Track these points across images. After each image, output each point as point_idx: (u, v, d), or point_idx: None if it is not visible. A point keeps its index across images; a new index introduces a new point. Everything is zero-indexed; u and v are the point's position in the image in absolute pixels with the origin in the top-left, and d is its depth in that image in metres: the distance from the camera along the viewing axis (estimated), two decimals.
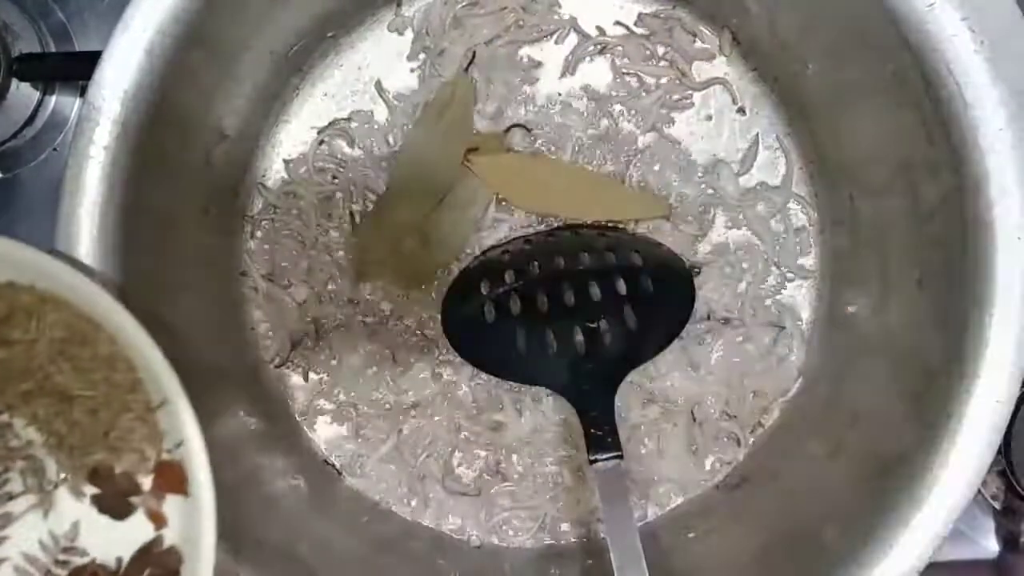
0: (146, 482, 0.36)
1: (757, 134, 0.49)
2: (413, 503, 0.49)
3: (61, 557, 0.37)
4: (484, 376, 0.48)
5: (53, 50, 0.54)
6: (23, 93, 0.54)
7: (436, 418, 0.49)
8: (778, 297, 0.49)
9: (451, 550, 0.50)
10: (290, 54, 0.46)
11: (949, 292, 0.38)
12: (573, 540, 0.50)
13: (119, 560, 0.37)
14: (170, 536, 0.36)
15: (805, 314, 0.49)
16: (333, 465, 0.49)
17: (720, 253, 0.49)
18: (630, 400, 0.49)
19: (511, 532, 0.49)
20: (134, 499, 0.36)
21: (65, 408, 0.36)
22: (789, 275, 0.49)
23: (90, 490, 0.37)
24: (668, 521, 0.51)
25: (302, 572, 0.44)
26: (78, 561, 0.37)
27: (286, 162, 0.49)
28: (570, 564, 0.49)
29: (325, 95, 0.48)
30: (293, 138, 0.49)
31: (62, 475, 0.37)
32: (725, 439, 0.49)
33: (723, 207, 0.49)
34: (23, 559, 0.37)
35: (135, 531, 0.36)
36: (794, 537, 0.44)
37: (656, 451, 0.49)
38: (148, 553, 0.36)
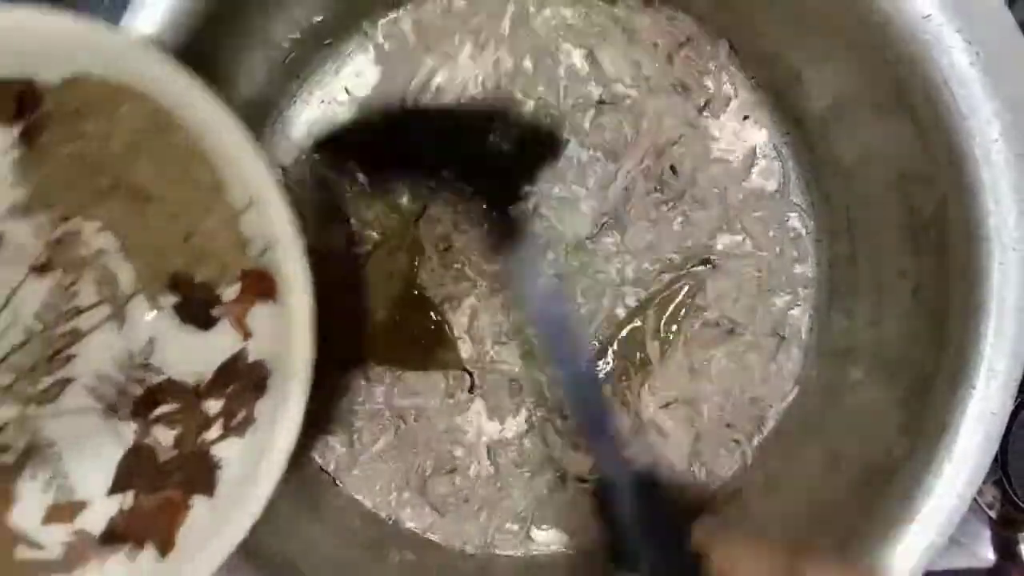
0: (229, 292, 0.32)
1: (755, 142, 0.49)
2: (405, 509, 0.47)
3: (137, 375, 0.33)
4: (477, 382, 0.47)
5: None
6: None
7: (429, 425, 0.47)
8: (777, 305, 0.49)
9: (442, 557, 0.48)
10: (286, 60, 0.45)
11: (944, 302, 0.39)
12: (560, 550, 0.48)
13: (199, 376, 0.33)
14: (256, 348, 0.32)
15: (802, 322, 0.49)
16: (325, 470, 0.47)
17: (722, 260, 0.49)
18: (628, 406, 0.48)
19: (502, 541, 0.48)
20: (216, 310, 0.32)
21: (142, 210, 0.32)
22: (787, 283, 0.49)
23: (168, 300, 0.33)
24: None
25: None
26: (155, 379, 0.33)
27: (284, 169, 0.46)
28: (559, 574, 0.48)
29: (322, 102, 0.47)
30: (291, 144, 0.47)
31: (137, 285, 0.32)
32: (724, 448, 0.49)
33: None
34: (95, 378, 0.33)
35: (217, 344, 0.32)
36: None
37: (653, 459, 0.48)
38: (232, 367, 0.32)
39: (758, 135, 0.49)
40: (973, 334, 0.36)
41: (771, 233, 0.49)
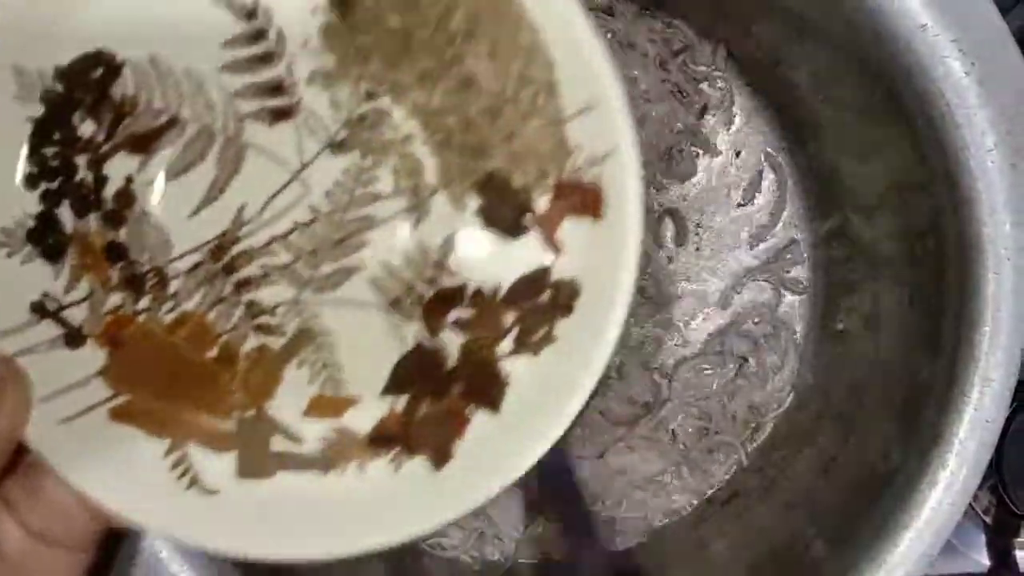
0: (542, 201, 0.30)
1: (752, 148, 0.51)
2: None
3: (429, 273, 0.30)
4: None
5: None
6: None
7: None
8: (774, 312, 0.51)
9: (426, 556, 0.49)
10: None
11: (939, 310, 0.40)
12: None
13: (498, 285, 0.30)
14: (566, 265, 0.30)
15: (798, 328, 0.51)
16: None
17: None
18: (625, 410, 0.50)
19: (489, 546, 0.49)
20: (526, 218, 0.30)
21: (465, 101, 0.29)
22: (783, 289, 0.51)
23: (475, 202, 0.30)
24: (659, 534, 0.51)
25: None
26: (448, 282, 0.31)
27: None
28: None
29: None
30: None
31: (444, 179, 0.30)
32: (720, 453, 0.51)
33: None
34: (383, 270, 0.30)
35: (522, 255, 0.30)
36: (784, 552, 0.45)
37: (647, 461, 0.50)
38: (535, 281, 0.30)
39: (755, 141, 0.51)
40: (968, 343, 0.37)
41: (768, 239, 0.51)
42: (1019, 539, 0.53)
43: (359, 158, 0.30)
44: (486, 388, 0.30)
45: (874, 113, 0.42)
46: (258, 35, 0.30)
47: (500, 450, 0.30)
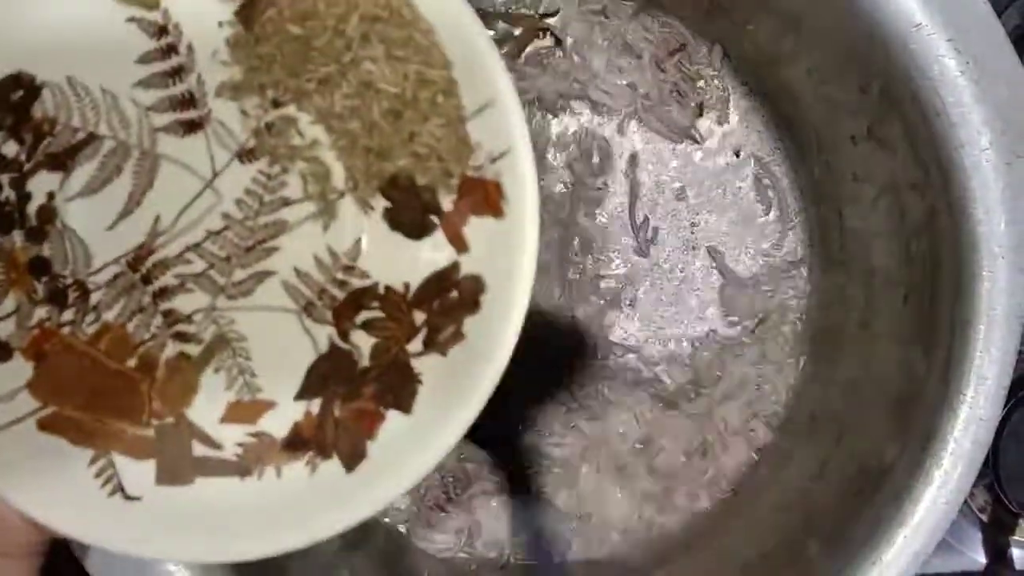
0: (446, 200, 0.30)
1: (748, 146, 0.51)
2: None
3: (339, 276, 0.31)
4: None
5: None
6: None
7: None
8: (768, 310, 0.51)
9: (420, 555, 0.49)
10: None
11: (934, 309, 0.39)
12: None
13: (406, 286, 0.31)
14: (471, 263, 0.30)
15: (792, 326, 0.51)
16: None
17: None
18: (622, 415, 0.49)
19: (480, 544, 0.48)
20: (432, 218, 0.30)
21: (366, 103, 0.30)
22: (777, 287, 0.51)
23: (381, 204, 0.30)
24: (652, 535, 0.51)
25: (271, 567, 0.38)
26: (357, 283, 0.31)
27: None
28: None
29: None
30: None
31: (350, 183, 0.30)
32: (718, 453, 0.51)
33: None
34: (294, 275, 0.31)
35: (428, 255, 0.30)
36: (779, 553, 0.44)
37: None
38: (443, 280, 0.30)
39: (751, 139, 0.51)
40: (962, 341, 0.37)
41: (762, 237, 0.51)
42: (1015, 536, 0.52)
43: (267, 165, 0.31)
44: (398, 388, 0.30)
45: (869, 112, 0.42)
46: (169, 50, 0.31)
47: (411, 448, 0.30)
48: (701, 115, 0.51)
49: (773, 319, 0.51)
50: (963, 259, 0.37)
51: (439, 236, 0.30)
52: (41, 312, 0.32)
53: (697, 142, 0.51)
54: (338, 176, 0.31)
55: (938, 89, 0.36)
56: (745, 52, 0.50)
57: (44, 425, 0.31)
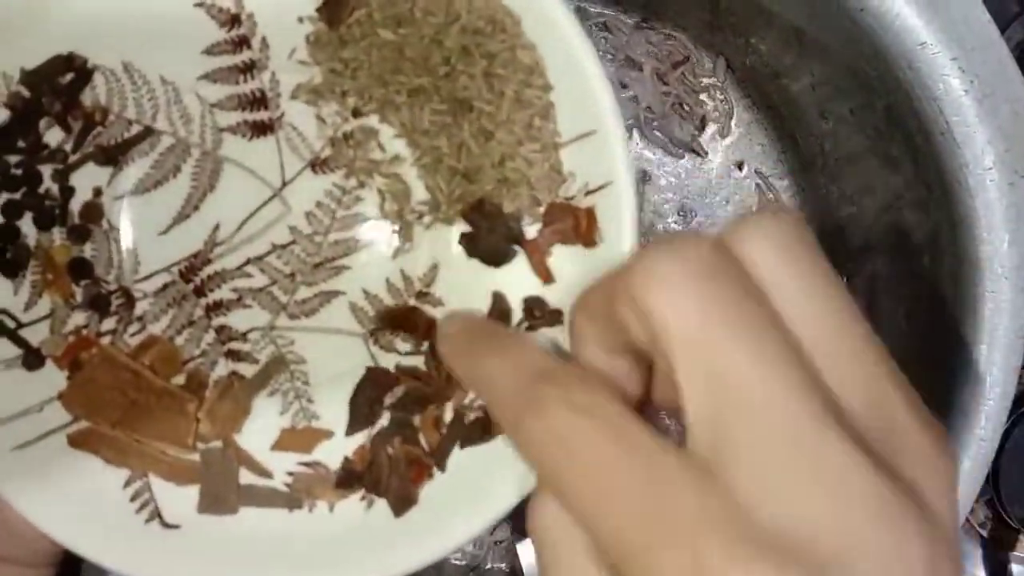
0: (531, 228, 0.27)
1: (750, 159, 0.49)
2: None
3: (412, 302, 0.28)
4: None
5: None
6: None
7: None
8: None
9: None
10: None
11: (936, 328, 0.38)
12: None
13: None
14: (555, 295, 0.27)
15: None
16: None
17: None
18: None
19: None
20: (514, 246, 0.27)
21: (457, 121, 0.27)
22: None
23: (462, 228, 0.28)
24: None
25: None
26: (430, 311, 0.28)
27: None
28: None
29: None
30: None
31: (431, 204, 0.27)
32: None
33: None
34: (363, 297, 0.28)
35: (508, 284, 0.28)
36: None
37: None
38: (526, 312, 0.28)
39: (753, 153, 0.49)
40: (964, 361, 0.36)
41: None
42: (1015, 552, 0.52)
43: (343, 178, 0.28)
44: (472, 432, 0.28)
45: (873, 129, 0.41)
46: (240, 43, 0.28)
47: (465, 498, 0.27)
48: (704, 128, 0.49)
49: None
50: (965, 278, 0.36)
51: (521, 265, 0.28)
52: (79, 318, 0.28)
53: (700, 155, 0.49)
54: (418, 196, 0.28)
55: (942, 108, 0.35)
56: (748, 66, 0.48)
57: (76, 441, 0.28)
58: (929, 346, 0.39)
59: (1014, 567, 0.52)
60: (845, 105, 0.42)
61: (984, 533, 0.52)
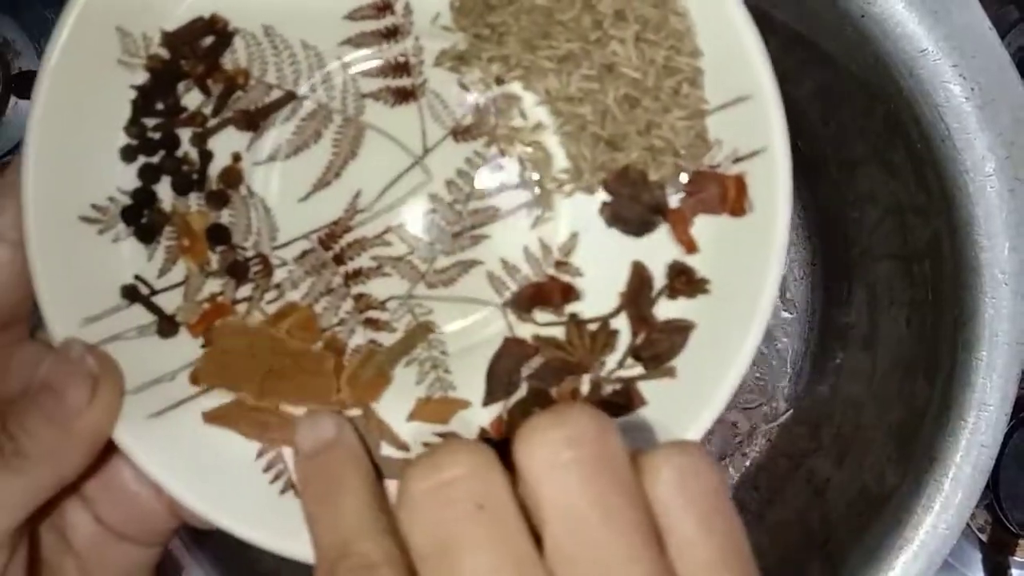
0: (674, 197, 0.27)
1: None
2: None
3: (550, 272, 0.27)
4: None
5: None
6: (22, 109, 0.52)
7: None
8: (769, 331, 0.49)
9: None
10: None
11: (936, 333, 0.38)
12: None
13: (618, 285, 0.27)
14: (700, 265, 0.27)
15: (795, 346, 0.50)
16: None
17: None
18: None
19: None
20: (655, 216, 0.27)
21: (603, 89, 0.26)
22: (778, 308, 0.49)
23: (603, 196, 0.27)
24: None
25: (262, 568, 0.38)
26: (568, 279, 0.27)
27: None
28: None
29: None
30: None
31: (573, 172, 0.27)
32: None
33: None
34: (501, 267, 0.27)
35: (649, 254, 0.27)
36: (779, 574, 0.43)
37: None
38: (667, 282, 0.27)
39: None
40: (965, 367, 0.36)
41: None
42: (1015, 557, 0.52)
43: (484, 146, 0.28)
44: (611, 406, 0.28)
45: (874, 135, 0.41)
46: (384, 7, 0.27)
47: None
48: None
49: (772, 337, 0.50)
50: (966, 284, 0.36)
51: (663, 234, 0.27)
52: (213, 285, 0.28)
53: None
54: (560, 164, 0.27)
55: (943, 115, 0.35)
56: None
57: (211, 417, 0.28)
58: (929, 352, 0.39)
59: (1014, 571, 0.52)
60: (846, 111, 0.42)
61: (984, 537, 0.52)
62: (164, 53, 0.27)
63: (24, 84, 0.51)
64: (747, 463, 0.50)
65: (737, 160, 0.26)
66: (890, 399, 0.41)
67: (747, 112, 0.26)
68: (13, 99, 0.52)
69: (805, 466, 0.47)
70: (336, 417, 0.27)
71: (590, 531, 0.20)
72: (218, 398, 0.28)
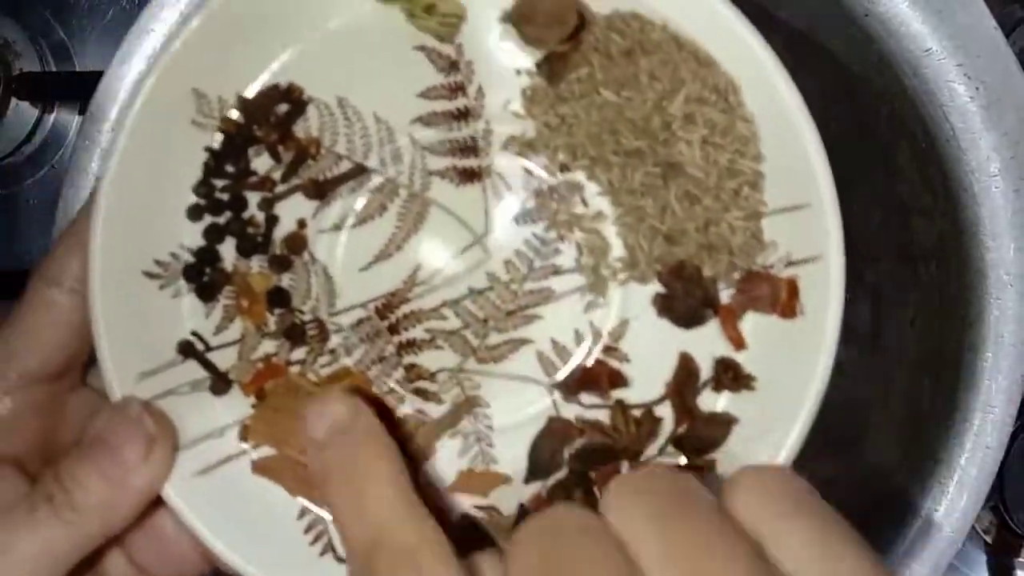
0: (725, 293, 0.27)
1: None
2: None
3: (599, 356, 0.28)
4: None
5: (53, 68, 0.52)
6: (22, 110, 0.52)
7: None
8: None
9: None
10: None
11: (941, 335, 0.38)
12: None
13: (663, 377, 0.28)
14: (747, 362, 0.27)
15: None
16: None
17: None
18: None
19: None
20: (707, 309, 0.27)
21: (666, 185, 0.27)
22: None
23: (656, 288, 0.28)
24: None
25: None
26: (616, 365, 0.28)
27: None
28: None
29: None
30: None
31: (630, 262, 0.27)
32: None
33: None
34: (551, 347, 0.28)
35: (696, 347, 0.28)
36: None
37: None
38: (714, 377, 0.28)
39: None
40: (970, 369, 0.35)
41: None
42: (1020, 559, 0.52)
43: (544, 230, 0.28)
44: None
45: (879, 135, 0.40)
46: (457, 89, 0.28)
47: None
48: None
49: None
50: (971, 285, 0.36)
51: (712, 328, 0.28)
52: (268, 346, 0.28)
53: None
54: (616, 252, 0.28)
55: (948, 115, 0.35)
56: None
57: (258, 468, 0.28)
58: (935, 353, 0.38)
59: (1019, 573, 0.51)
60: (850, 111, 0.41)
61: (989, 539, 0.52)
62: (238, 117, 0.27)
63: (24, 85, 0.51)
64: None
65: (791, 264, 0.27)
66: (895, 400, 0.41)
67: (805, 219, 0.26)
68: (13, 100, 0.52)
69: (808, 468, 0.46)
70: (348, 399, 0.25)
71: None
72: (266, 455, 0.28)
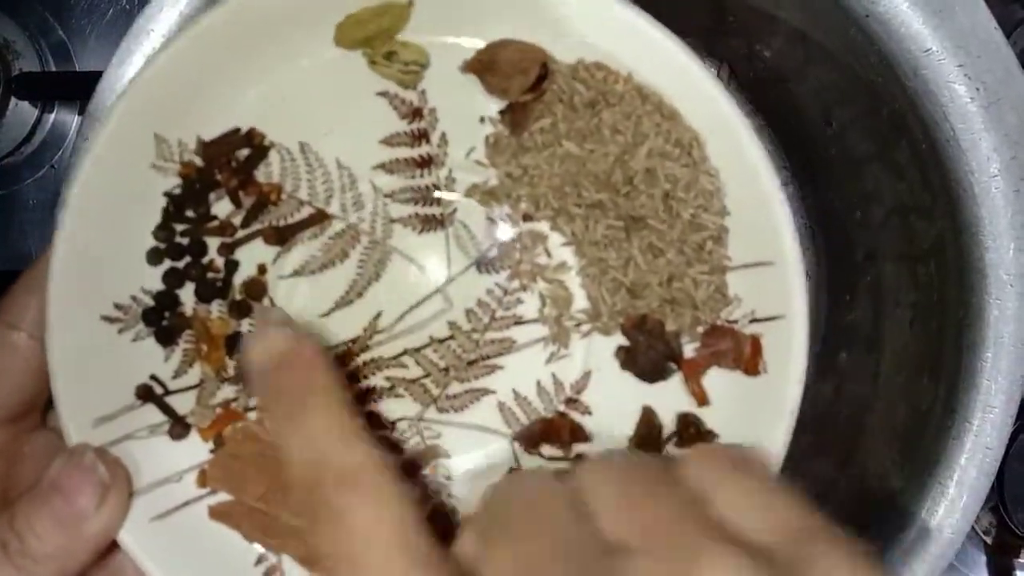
0: (689, 347, 0.27)
1: None
2: None
3: (560, 408, 0.27)
4: None
5: (53, 68, 0.51)
6: (22, 110, 0.51)
7: None
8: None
9: None
10: None
11: (940, 335, 0.38)
12: None
13: (626, 428, 0.28)
14: (709, 418, 0.27)
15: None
16: None
17: None
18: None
19: None
20: (670, 364, 0.27)
21: (628, 238, 0.26)
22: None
23: (619, 340, 0.27)
24: None
25: None
26: (578, 417, 0.27)
27: None
28: None
29: None
30: None
31: (593, 314, 0.27)
32: None
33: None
34: (512, 398, 0.27)
35: (659, 401, 0.27)
36: None
37: None
38: (678, 432, 0.27)
39: None
40: (969, 369, 0.35)
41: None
42: (1020, 560, 0.51)
43: (507, 279, 0.28)
44: None
45: (878, 135, 0.40)
46: (420, 136, 0.27)
47: None
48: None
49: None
50: (971, 285, 0.35)
51: (675, 383, 0.27)
52: (227, 391, 0.28)
53: None
54: (579, 304, 0.27)
55: (948, 115, 0.34)
56: (752, 72, 0.48)
57: (217, 513, 0.28)
58: (934, 353, 0.38)
59: (1019, 574, 0.51)
60: (850, 111, 0.41)
61: (988, 540, 0.51)
62: (199, 161, 0.27)
63: (24, 85, 0.50)
64: None
65: (755, 320, 0.26)
66: (894, 401, 0.41)
67: (769, 277, 0.26)
68: (13, 100, 0.51)
69: (808, 468, 0.45)
70: (288, 329, 0.24)
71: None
72: (223, 501, 0.28)
